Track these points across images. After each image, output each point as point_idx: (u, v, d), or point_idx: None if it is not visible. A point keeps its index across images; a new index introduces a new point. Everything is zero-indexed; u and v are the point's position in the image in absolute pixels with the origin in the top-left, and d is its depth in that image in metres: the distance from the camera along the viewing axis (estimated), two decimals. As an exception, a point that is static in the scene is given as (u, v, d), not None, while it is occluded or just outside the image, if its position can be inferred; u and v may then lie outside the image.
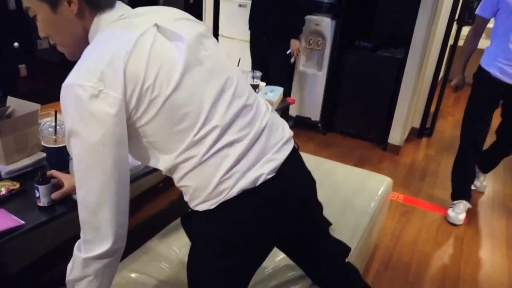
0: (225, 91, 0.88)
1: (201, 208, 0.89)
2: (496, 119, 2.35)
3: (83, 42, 0.85)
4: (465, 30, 2.83)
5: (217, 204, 0.87)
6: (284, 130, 1.00)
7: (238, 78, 0.93)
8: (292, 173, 0.96)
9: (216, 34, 3.68)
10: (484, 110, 2.26)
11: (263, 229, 0.93)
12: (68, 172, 1.21)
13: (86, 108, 0.76)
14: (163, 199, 2.17)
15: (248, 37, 3.16)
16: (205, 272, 0.95)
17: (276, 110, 2.10)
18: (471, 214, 2.49)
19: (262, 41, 3.06)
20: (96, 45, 0.82)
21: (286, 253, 1.20)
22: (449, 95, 4.26)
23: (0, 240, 0.98)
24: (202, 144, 0.84)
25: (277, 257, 1.35)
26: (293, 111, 3.60)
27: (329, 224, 1.53)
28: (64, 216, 1.12)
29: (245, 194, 0.87)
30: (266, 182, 0.89)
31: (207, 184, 0.86)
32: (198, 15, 3.76)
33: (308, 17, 3.21)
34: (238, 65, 2.12)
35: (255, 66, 3.03)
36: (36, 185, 1.10)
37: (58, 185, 1.14)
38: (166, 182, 1.80)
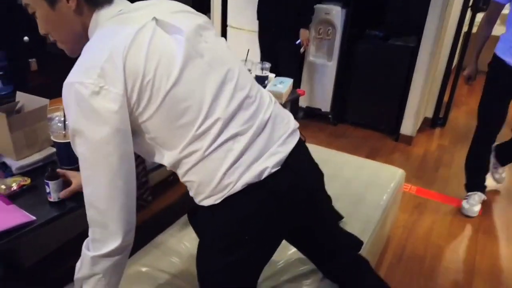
0: (226, 84, 0.87)
1: (206, 203, 0.88)
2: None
3: (83, 38, 0.84)
4: (480, 16, 2.75)
5: (222, 199, 0.86)
6: (289, 122, 0.98)
7: (240, 70, 0.92)
8: (298, 166, 0.94)
9: (224, 24, 3.64)
10: (500, 100, 2.19)
11: (269, 224, 0.92)
12: (77, 168, 1.20)
13: (88, 106, 0.75)
14: (173, 192, 2.18)
15: (256, 28, 3.12)
16: (213, 267, 0.94)
17: (286, 101, 2.08)
18: (486, 206, 2.44)
19: (271, 31, 3.01)
20: (95, 42, 0.81)
21: (296, 246, 1.19)
22: (463, 83, 4.15)
23: (11, 236, 0.98)
24: (204, 138, 0.83)
25: (289, 251, 1.34)
26: (303, 102, 3.57)
27: (341, 217, 1.52)
28: (74, 212, 1.12)
29: (250, 188, 0.86)
30: (271, 176, 0.87)
31: (211, 178, 0.85)
32: (207, 6, 3.72)
33: (317, 6, 3.15)
34: (246, 57, 2.09)
35: (264, 57, 3.00)
36: (46, 181, 1.10)
37: (67, 183, 1.14)
38: (176, 176, 1.79)
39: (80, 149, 0.79)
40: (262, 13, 3.04)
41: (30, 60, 3.08)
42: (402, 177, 1.94)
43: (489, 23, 2.20)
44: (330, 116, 3.53)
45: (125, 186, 0.82)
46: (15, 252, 1.56)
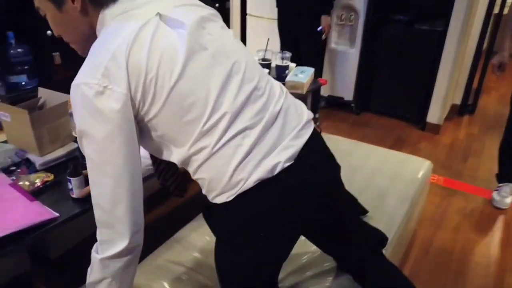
0: (232, 76, 0.84)
1: (218, 200, 0.87)
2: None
3: (92, 38, 0.84)
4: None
5: (234, 195, 0.84)
6: (302, 114, 0.94)
7: (247, 62, 0.89)
8: (312, 159, 0.91)
9: (243, 13, 3.59)
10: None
11: (285, 220, 0.89)
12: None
13: (92, 106, 0.75)
14: (195, 185, 2.18)
15: (276, 16, 3.05)
16: (230, 265, 0.93)
17: (307, 91, 2.03)
18: (519, 197, 2.34)
19: (291, 19, 2.94)
20: (99, 41, 0.81)
21: (315, 242, 1.16)
22: (493, 68, 3.97)
23: (35, 233, 1.00)
24: (212, 133, 0.81)
25: (314, 246, 1.30)
26: (324, 91, 3.49)
27: (365, 211, 1.47)
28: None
29: (262, 184, 0.83)
30: (284, 171, 0.84)
31: (222, 175, 0.83)
32: (225, -6, 3.67)
33: (339, -9, 3.06)
34: (266, 46, 2.04)
35: (284, 46, 2.93)
36: (68, 177, 1.11)
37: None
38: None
39: (86, 149, 0.80)
40: (282, 1, 2.96)
41: (53, 54, 3.13)
42: (429, 169, 1.87)
43: None
44: (353, 105, 3.44)
45: (131, 187, 0.81)
46: (41, 245, 1.60)
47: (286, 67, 2.04)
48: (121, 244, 0.82)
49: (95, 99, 0.74)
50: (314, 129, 0.95)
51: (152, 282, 1.20)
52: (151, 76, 0.76)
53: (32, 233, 0.99)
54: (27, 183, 1.13)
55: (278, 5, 2.99)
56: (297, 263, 1.28)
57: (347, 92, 3.42)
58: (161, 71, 0.77)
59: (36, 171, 1.23)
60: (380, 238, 1.35)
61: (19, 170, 1.21)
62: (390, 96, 3.34)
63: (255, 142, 0.83)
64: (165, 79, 0.77)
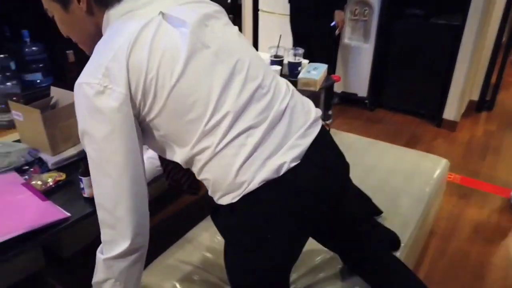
0: (235, 75, 0.82)
1: (224, 201, 0.85)
2: None
3: (98, 38, 0.83)
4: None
5: (240, 197, 0.82)
6: (309, 112, 0.92)
7: (251, 60, 0.87)
8: (320, 159, 0.88)
9: (256, 9, 3.56)
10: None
11: (292, 221, 0.87)
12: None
13: (93, 105, 0.75)
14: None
15: (288, 11, 3.01)
16: (239, 266, 0.92)
17: (320, 88, 1.99)
18: (540, 196, 2.27)
19: (304, 14, 2.90)
20: (102, 41, 0.80)
21: (323, 243, 1.14)
22: (512, 63, 3.86)
23: (47, 233, 1.00)
24: (215, 133, 0.80)
25: (325, 247, 1.28)
26: (338, 87, 3.44)
27: (380, 212, 1.44)
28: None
29: (268, 185, 0.81)
30: (290, 171, 0.82)
31: (226, 176, 0.82)
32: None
33: (353, -15, 3.01)
34: (278, 42, 2.01)
35: (296, 42, 2.90)
36: (80, 177, 1.11)
37: None
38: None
39: (87, 148, 0.80)
40: (294, -4, 2.93)
41: (67, 52, 3.16)
42: (446, 167, 1.83)
43: None
44: (366, 101, 3.39)
45: (132, 187, 0.80)
46: (55, 244, 1.61)
47: (299, 64, 2.01)
48: (123, 245, 0.81)
49: (95, 99, 0.74)
50: (323, 126, 0.93)
51: (163, 282, 1.19)
52: (151, 76, 0.76)
53: (44, 233, 0.99)
54: (39, 182, 1.13)
55: (290, 1, 2.95)
56: (311, 264, 1.26)
57: (361, 88, 3.37)
58: (161, 70, 0.76)
59: (49, 170, 1.23)
60: (393, 240, 1.32)
61: (31, 169, 1.21)
62: (405, 92, 3.27)
63: (259, 141, 0.82)
64: (166, 79, 0.77)
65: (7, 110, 1.52)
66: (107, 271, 0.85)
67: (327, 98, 2.92)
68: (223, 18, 0.91)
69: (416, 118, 3.25)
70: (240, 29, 3.83)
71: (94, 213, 1.11)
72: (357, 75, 3.34)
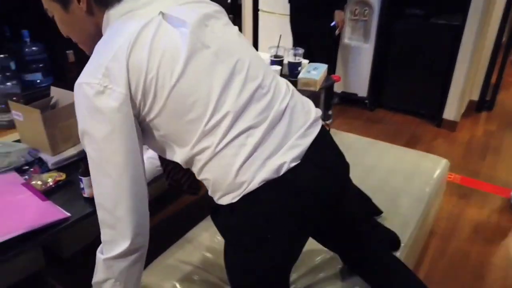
0: (235, 75, 0.82)
1: (223, 201, 0.85)
2: None
3: (98, 38, 0.83)
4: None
5: (240, 197, 0.82)
6: (309, 112, 0.92)
7: (251, 60, 0.87)
8: (320, 159, 0.88)
9: (256, 9, 3.56)
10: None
11: (292, 221, 0.87)
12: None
13: (92, 105, 0.75)
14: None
15: (288, 11, 3.01)
16: (239, 267, 0.92)
17: (320, 88, 1.99)
18: (540, 196, 2.27)
19: (304, 14, 2.89)
20: (102, 41, 0.80)
21: (323, 243, 1.14)
22: (512, 63, 3.86)
23: (47, 233, 1.00)
24: (214, 133, 0.80)
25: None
26: (338, 87, 3.44)
27: (380, 212, 1.44)
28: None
29: (268, 185, 0.81)
30: (290, 171, 0.82)
31: (226, 176, 0.82)
32: (237, -10, 3.65)
33: (353, -15, 3.00)
34: (278, 42, 2.01)
35: (296, 42, 2.90)
36: (80, 177, 1.11)
37: None
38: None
39: (87, 148, 0.80)
40: (294, -4, 2.93)
41: (67, 52, 3.16)
42: (446, 167, 1.83)
43: None
44: (366, 101, 3.39)
45: (132, 187, 0.80)
46: (55, 244, 1.61)
47: (299, 64, 2.01)
48: (123, 245, 0.81)
49: (95, 99, 0.74)
50: (323, 126, 0.93)
51: (163, 282, 1.19)
52: (151, 76, 0.76)
53: (44, 233, 0.99)
54: (39, 182, 1.13)
55: (290, 1, 2.95)
56: (311, 264, 1.26)
57: (361, 88, 3.37)
58: (161, 70, 0.76)
59: (49, 170, 1.23)
60: (393, 240, 1.32)
61: (31, 169, 1.21)
62: (405, 92, 3.27)
63: (259, 141, 0.82)
64: (166, 79, 0.77)
65: (7, 110, 1.52)
66: (107, 271, 0.85)
67: (327, 98, 2.92)
68: (223, 18, 0.91)
69: (416, 118, 3.25)
70: (240, 29, 3.83)
71: (94, 213, 1.11)
72: (357, 75, 3.34)
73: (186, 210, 2.03)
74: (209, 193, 0.89)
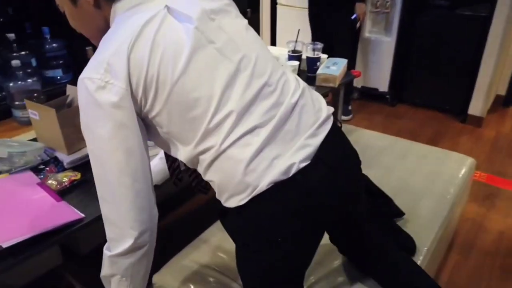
0: (240, 72, 0.79)
1: (231, 204, 0.82)
2: None
3: None
4: None
5: (248, 199, 0.79)
6: (320, 110, 0.88)
7: (258, 55, 0.83)
8: (331, 158, 0.84)
9: (274, 2, 3.50)
10: None
11: (302, 224, 0.83)
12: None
13: (93, 101, 0.74)
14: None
15: (307, 4, 2.94)
16: (251, 270, 0.90)
17: (340, 84, 1.93)
18: None
19: (323, 7, 2.82)
20: (107, 36, 0.79)
21: (337, 246, 1.11)
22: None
23: (61, 234, 0.99)
24: (218, 132, 0.77)
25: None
26: (358, 82, 3.36)
27: (401, 214, 1.39)
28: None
29: (277, 187, 0.78)
30: (300, 172, 0.79)
31: (231, 177, 0.79)
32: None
33: (374, -24, 2.91)
34: (297, 37, 1.96)
35: (315, 37, 2.83)
36: (94, 177, 1.10)
37: None
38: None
39: (88, 144, 0.79)
40: (313, -12, 2.86)
41: (87, 48, 3.20)
42: (472, 167, 1.75)
43: None
44: (387, 96, 3.29)
45: (134, 184, 0.78)
46: (72, 241, 1.62)
47: (318, 59, 1.95)
48: (127, 242, 0.80)
49: (96, 94, 0.73)
50: (334, 123, 0.89)
51: (178, 284, 1.18)
52: (152, 71, 0.74)
53: (57, 235, 0.98)
54: (54, 182, 1.13)
55: (309, -7, 2.89)
56: (329, 267, 1.22)
57: (381, 83, 3.28)
58: (163, 66, 0.74)
59: (64, 169, 1.22)
60: (408, 245, 1.27)
61: (47, 168, 1.21)
62: (428, 87, 3.17)
63: (265, 141, 0.78)
64: (167, 75, 0.75)
65: (27, 107, 1.53)
66: (112, 267, 0.85)
67: (346, 92, 2.85)
68: (232, 11, 0.88)
69: (439, 113, 3.15)
70: (258, 23, 3.79)
71: (108, 213, 1.11)
72: (378, 69, 3.25)
73: (201, 209, 2.01)
74: (216, 195, 0.86)
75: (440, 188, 1.56)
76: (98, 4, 0.82)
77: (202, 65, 0.77)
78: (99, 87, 0.73)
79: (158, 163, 1.19)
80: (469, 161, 1.75)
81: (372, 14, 3.12)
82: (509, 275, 1.72)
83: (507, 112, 3.19)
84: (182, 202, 2.04)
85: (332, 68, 1.89)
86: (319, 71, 1.89)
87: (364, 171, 1.47)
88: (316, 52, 1.94)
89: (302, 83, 0.91)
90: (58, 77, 3.00)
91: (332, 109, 0.92)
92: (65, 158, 1.25)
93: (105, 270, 0.87)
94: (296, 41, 1.97)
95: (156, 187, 1.20)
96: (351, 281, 1.17)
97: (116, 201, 0.79)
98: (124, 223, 0.80)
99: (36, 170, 1.21)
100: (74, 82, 1.43)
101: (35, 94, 2.13)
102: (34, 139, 1.37)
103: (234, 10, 0.89)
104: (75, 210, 1.05)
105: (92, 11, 0.83)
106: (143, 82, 0.74)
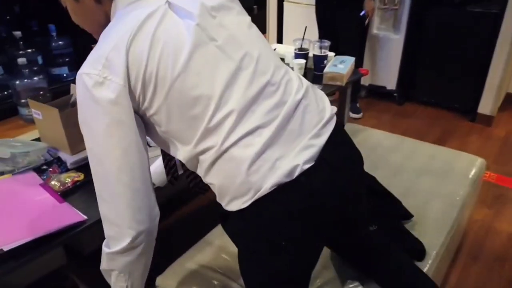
0: (242, 70, 0.78)
1: (232, 207, 0.80)
2: None
3: None
4: None
5: (250, 202, 0.78)
6: (324, 109, 0.86)
7: (260, 53, 0.82)
8: (335, 159, 0.83)
9: (281, -1, 3.47)
10: None
11: (307, 227, 0.82)
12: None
13: (91, 96, 0.73)
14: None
15: (314, 1, 2.90)
16: (255, 275, 0.88)
17: (347, 82, 1.90)
18: None
19: (331, 4, 2.78)
20: (106, 31, 0.77)
21: (339, 251, 1.10)
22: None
23: (64, 236, 0.98)
24: (218, 132, 0.76)
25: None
26: (365, 80, 3.32)
27: (410, 216, 1.36)
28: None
29: (280, 189, 0.76)
30: (304, 173, 0.77)
31: (232, 178, 0.77)
32: (261, -20, 3.56)
33: (383, -28, 2.86)
34: (304, 35, 1.93)
35: (322, 34, 2.79)
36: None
37: None
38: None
39: (86, 142, 0.78)
40: (320, -16, 2.81)
41: (92, 46, 3.21)
42: (482, 167, 1.71)
43: None
44: (395, 94, 3.25)
45: (132, 183, 0.77)
46: (76, 242, 1.62)
47: (325, 57, 1.92)
48: (125, 241, 0.80)
49: (93, 90, 0.72)
50: (337, 123, 0.87)
51: (182, 286, 1.16)
52: (151, 67, 0.73)
53: (59, 237, 0.97)
54: (57, 183, 1.12)
55: (316, -10, 2.85)
56: (335, 270, 1.19)
57: (389, 81, 3.23)
58: (163, 62, 0.73)
59: (67, 170, 1.21)
60: (416, 250, 1.24)
61: (50, 169, 1.20)
62: (437, 85, 3.11)
63: (268, 142, 0.76)
64: (167, 71, 0.73)
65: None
66: (110, 264, 0.85)
67: (353, 90, 2.82)
68: (235, 7, 0.86)
69: (448, 112, 3.10)
70: (264, 20, 3.75)
71: (111, 214, 1.09)
72: (386, 67, 3.20)
73: (204, 210, 2.00)
74: (217, 199, 0.85)
75: (449, 190, 1.53)
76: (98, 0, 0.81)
77: (202, 62, 0.75)
78: (96, 82, 0.72)
79: (160, 164, 1.18)
80: (479, 161, 1.71)
81: (380, 11, 3.07)
82: (519, 278, 1.69)
83: (517, 111, 3.13)
84: (184, 203, 2.03)
85: (340, 66, 1.86)
86: (326, 69, 1.86)
87: (371, 172, 1.46)
88: (323, 50, 1.91)
89: (306, 82, 0.89)
90: (64, 75, 3.00)
91: (335, 109, 0.90)
92: (69, 159, 1.24)
93: (103, 265, 0.88)
94: (303, 38, 1.94)
95: (159, 189, 1.19)
96: (358, 284, 1.15)
97: (114, 200, 0.78)
98: (122, 222, 0.79)
99: (39, 170, 1.20)
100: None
101: (41, 92, 2.12)
102: (38, 139, 1.36)
103: (237, 6, 0.87)
104: (78, 212, 1.04)
105: (93, 6, 0.82)
106: (142, 78, 0.73)
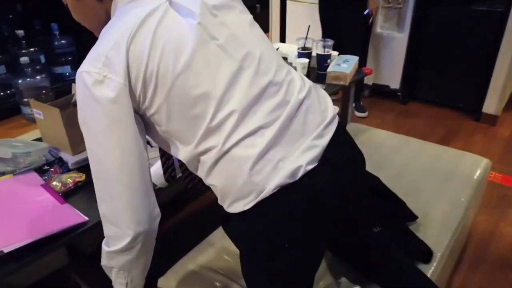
0: (244, 69, 0.77)
1: (234, 209, 0.80)
2: None
3: None
4: None
5: (253, 203, 0.77)
6: (326, 109, 0.85)
7: (262, 53, 0.81)
8: (337, 159, 0.82)
9: (284, -3, 3.45)
10: None
11: (310, 227, 0.81)
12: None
13: (91, 95, 0.72)
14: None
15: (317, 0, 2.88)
16: (256, 277, 0.87)
17: (351, 82, 1.89)
18: None
19: (334, 2, 2.76)
20: (106, 29, 0.77)
21: (340, 253, 1.09)
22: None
23: (65, 238, 0.98)
24: (219, 132, 0.75)
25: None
26: (369, 79, 3.29)
27: (415, 217, 1.34)
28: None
29: (283, 190, 0.76)
30: (307, 174, 0.76)
31: (234, 180, 0.76)
32: (264, -21, 3.54)
33: (387, -30, 2.84)
34: (307, 34, 1.92)
35: (326, 33, 2.77)
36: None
37: None
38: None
39: (86, 141, 0.77)
40: (323, -18, 2.79)
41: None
42: (488, 168, 1.69)
43: None
44: (399, 93, 3.23)
45: (132, 183, 0.77)
46: (77, 242, 1.61)
47: (328, 56, 1.91)
48: (124, 241, 0.79)
49: (93, 88, 0.71)
50: (339, 123, 0.87)
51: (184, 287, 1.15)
52: (152, 66, 0.72)
53: (62, 237, 0.97)
54: (59, 184, 1.11)
55: (319, -12, 2.83)
56: (339, 271, 1.18)
57: (393, 80, 3.21)
58: (164, 60, 0.72)
59: (69, 170, 1.21)
60: (422, 251, 1.23)
61: (51, 169, 1.19)
62: (441, 84, 3.09)
63: (270, 142, 0.76)
64: (168, 70, 0.72)
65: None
66: (110, 262, 0.85)
67: (356, 89, 2.80)
68: (237, 6, 0.85)
69: (452, 111, 3.07)
70: (267, 19, 3.74)
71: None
72: (390, 66, 3.18)
73: (205, 210, 1.99)
74: (219, 201, 0.84)
75: (454, 191, 1.51)
76: None
77: (204, 61, 0.74)
78: (96, 81, 0.71)
79: (160, 165, 1.17)
80: (484, 162, 1.69)
81: (384, 9, 3.05)
82: (524, 280, 1.67)
83: (523, 110, 3.10)
84: (186, 203, 2.02)
85: (343, 65, 1.85)
86: (329, 69, 1.84)
87: (375, 172, 1.44)
88: (326, 49, 1.90)
89: (308, 82, 0.88)
90: (67, 74, 3.00)
91: (337, 109, 0.89)
92: (70, 159, 1.24)
93: (103, 262, 0.88)
94: (306, 37, 1.93)
95: (160, 190, 1.18)
96: (363, 286, 1.14)
97: (114, 200, 0.78)
98: (122, 222, 0.79)
99: (40, 171, 1.20)
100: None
101: (44, 91, 2.12)
102: (39, 139, 1.36)
103: (239, 5, 0.86)
104: (79, 213, 1.03)
105: (94, 4, 0.81)
106: (143, 76, 0.72)
